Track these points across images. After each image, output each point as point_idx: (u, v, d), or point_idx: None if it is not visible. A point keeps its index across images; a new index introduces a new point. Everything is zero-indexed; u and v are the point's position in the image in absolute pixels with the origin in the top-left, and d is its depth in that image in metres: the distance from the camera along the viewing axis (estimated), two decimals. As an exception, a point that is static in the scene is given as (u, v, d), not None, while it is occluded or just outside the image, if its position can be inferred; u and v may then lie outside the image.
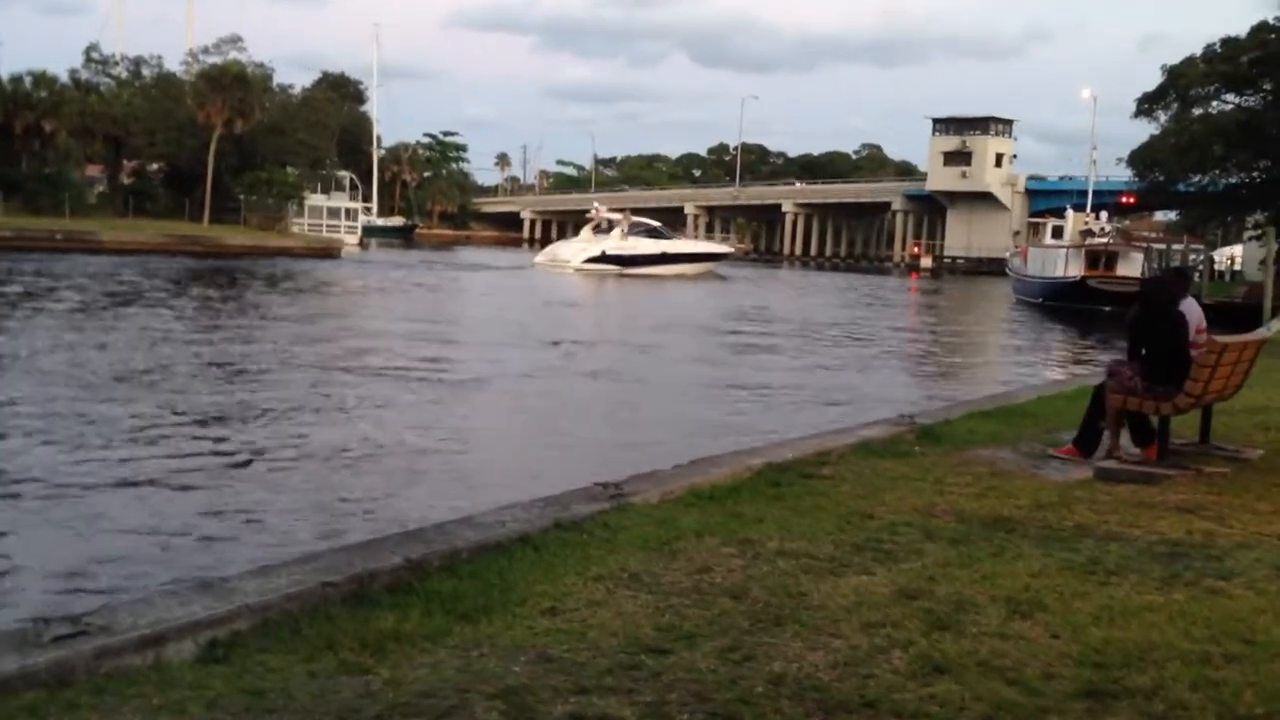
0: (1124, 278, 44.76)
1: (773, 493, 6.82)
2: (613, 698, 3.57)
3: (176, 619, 4.16)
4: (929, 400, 14.94)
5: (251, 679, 3.82)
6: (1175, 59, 57.14)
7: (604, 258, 56.63)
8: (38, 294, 29.65)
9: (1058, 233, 49.20)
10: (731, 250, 72.10)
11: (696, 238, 76.34)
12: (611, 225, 59.74)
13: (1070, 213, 49.44)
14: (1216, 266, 65.39)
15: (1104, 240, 46.84)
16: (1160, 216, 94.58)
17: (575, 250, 58.81)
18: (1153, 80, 55.75)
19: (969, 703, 3.50)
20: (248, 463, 10.59)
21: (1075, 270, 45.35)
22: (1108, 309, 42.52)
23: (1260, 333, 14.44)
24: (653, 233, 61.55)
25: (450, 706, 3.52)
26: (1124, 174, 65.18)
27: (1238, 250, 76.32)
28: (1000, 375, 22.30)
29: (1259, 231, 59.78)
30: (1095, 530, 5.84)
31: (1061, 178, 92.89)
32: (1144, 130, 56.30)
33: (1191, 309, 8.24)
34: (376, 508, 8.86)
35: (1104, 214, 50.31)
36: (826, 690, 3.62)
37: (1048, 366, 24.86)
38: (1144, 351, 7.84)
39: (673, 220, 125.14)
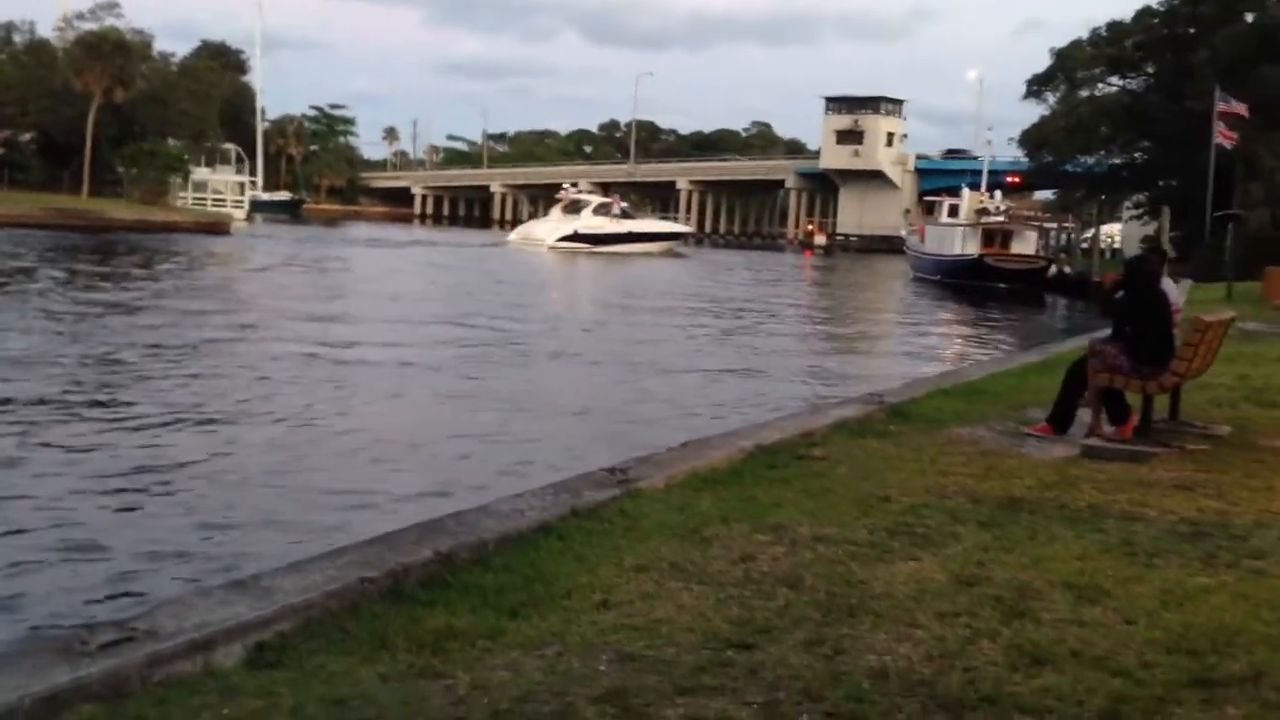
0: (1019, 255, 46.07)
1: (773, 475, 6.74)
2: (721, 698, 3.43)
3: (222, 621, 3.91)
4: (869, 376, 15.07)
5: (321, 686, 3.58)
6: (1053, 42, 58.94)
7: (576, 236, 60.21)
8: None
9: (954, 211, 50.28)
10: (690, 230, 75.86)
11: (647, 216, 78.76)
12: (580, 205, 63.77)
13: (966, 191, 50.57)
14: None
15: (999, 219, 48.03)
16: (1038, 196, 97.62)
17: (549, 229, 62.24)
18: (1032, 63, 57.70)
19: (1084, 695, 3.44)
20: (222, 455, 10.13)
21: (972, 248, 46.44)
22: (1004, 286, 43.73)
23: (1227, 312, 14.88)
24: (620, 214, 64.77)
25: (556, 712, 3.34)
26: (1009, 154, 67.08)
27: (1113, 229, 79.15)
28: (925, 351, 22.73)
29: (1140, 210, 62.13)
30: (1110, 510, 5.88)
31: (948, 153, 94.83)
32: (1024, 112, 58.82)
33: (1170, 288, 8.38)
34: (358, 498, 8.53)
35: (998, 193, 51.58)
36: (934, 685, 3.53)
37: (966, 342, 25.41)
38: (1128, 330, 7.94)
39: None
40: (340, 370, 15.55)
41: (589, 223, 61.85)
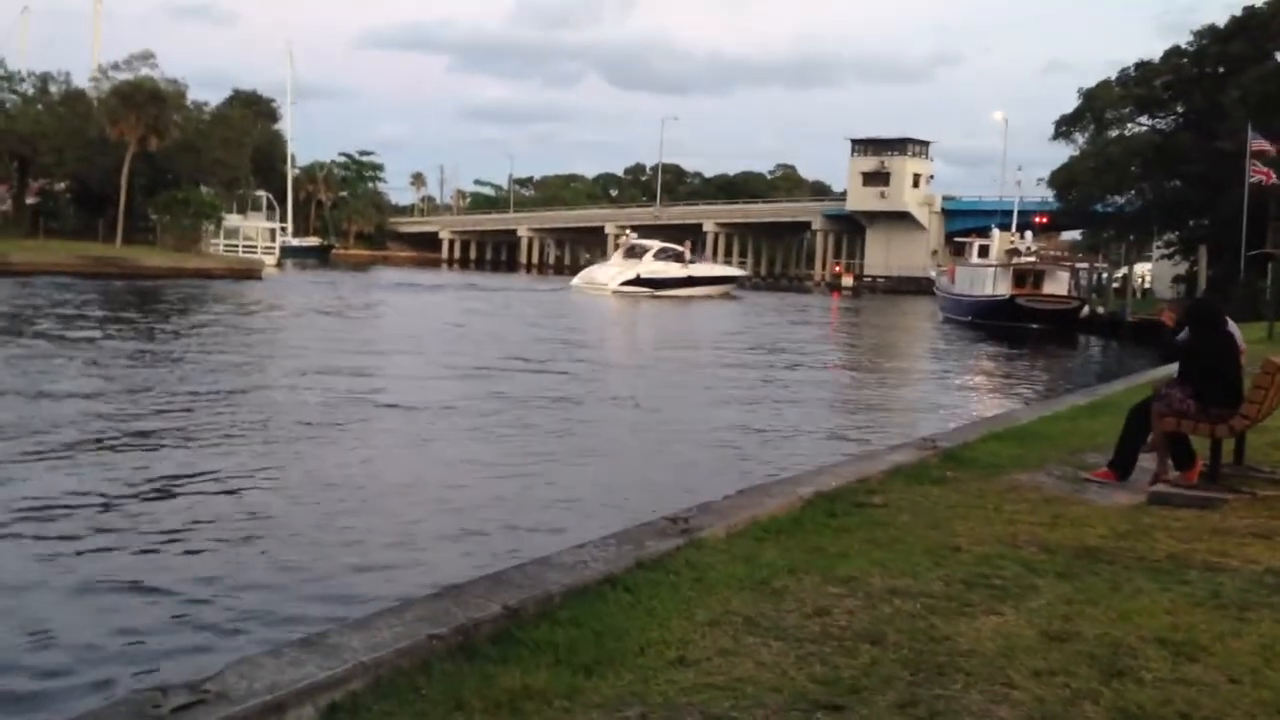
0: (1052, 296, 45.74)
1: (836, 524, 6.59)
2: (818, 764, 3.29)
3: (293, 682, 3.80)
4: (915, 419, 14.89)
5: (406, 751, 3.47)
6: (1077, 84, 58.95)
7: (638, 281, 62.19)
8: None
9: (984, 252, 50.07)
10: (745, 273, 78.06)
11: (715, 260, 80.00)
12: (642, 250, 66.01)
13: (996, 232, 50.37)
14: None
15: (1031, 259, 47.76)
16: (1066, 236, 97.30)
17: (611, 274, 64.26)
18: (1056, 105, 57.79)
19: (1204, 761, 3.28)
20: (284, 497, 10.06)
21: (1003, 289, 46.17)
22: (1036, 326, 43.39)
23: None
24: (678, 257, 67.24)
25: (649, 779, 3.21)
26: (1036, 194, 66.91)
27: (1143, 269, 78.67)
28: (967, 393, 22.54)
29: (1170, 250, 61.73)
30: (1191, 560, 5.70)
31: (977, 199, 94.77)
32: (1049, 153, 58.64)
33: (1235, 330, 8.21)
34: (412, 550, 8.44)
35: (1029, 233, 51.35)
36: (1047, 750, 3.38)
37: (1006, 383, 25.18)
38: (1195, 374, 7.77)
39: (594, 240, 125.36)
40: (406, 417, 15.51)
41: (651, 267, 63.86)
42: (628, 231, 73.80)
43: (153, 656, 6.20)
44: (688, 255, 67.97)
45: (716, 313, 51.26)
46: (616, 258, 68.21)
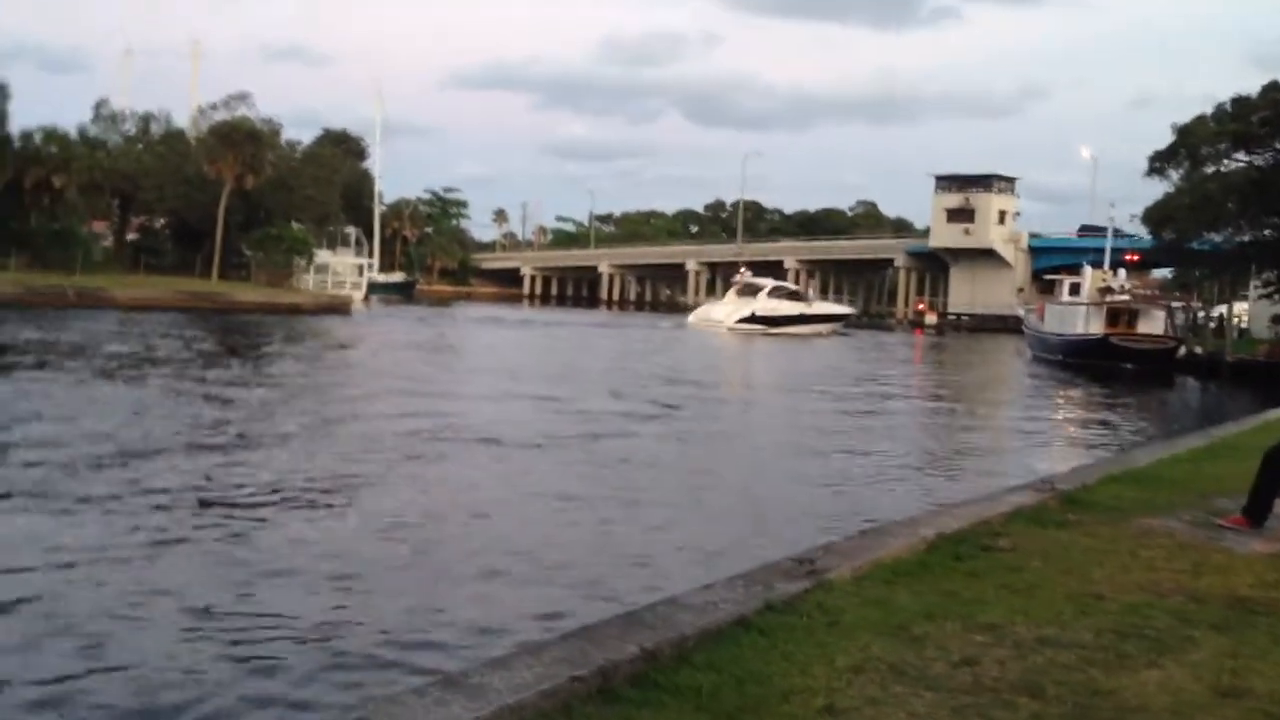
0: (1148, 335, 44.64)
1: (964, 568, 6.40)
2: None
3: (443, 724, 3.75)
4: (1023, 460, 14.54)
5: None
6: (1165, 119, 57.77)
7: (753, 318, 63.45)
8: (80, 353, 29.03)
9: (1075, 290, 49.07)
10: (853, 311, 78.87)
11: (816, 299, 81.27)
12: (756, 289, 67.58)
13: (1088, 270, 49.31)
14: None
15: (1125, 298, 46.69)
16: (1157, 274, 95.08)
17: (727, 311, 65.61)
18: (1144, 140, 56.82)
19: None
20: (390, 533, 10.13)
21: (1096, 328, 45.15)
22: (1130, 366, 42.37)
23: None
24: (792, 295, 70.08)
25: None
26: (1127, 231, 65.49)
27: (1239, 308, 76.39)
28: (1071, 434, 22.03)
29: (1270, 289, 59.89)
30: (1350, 612, 5.42)
31: (1084, 230, 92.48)
32: (1137, 189, 57.38)
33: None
34: (533, 590, 8.41)
35: (1122, 271, 50.21)
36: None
37: (1111, 425, 24.59)
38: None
39: (675, 276, 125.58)
40: (521, 454, 15.60)
41: (765, 305, 65.28)
42: (743, 270, 74.22)
43: (294, 700, 6.22)
44: (809, 294, 71.24)
45: (825, 351, 51.85)
46: (730, 295, 69.51)
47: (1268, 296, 60.37)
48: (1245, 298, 72.52)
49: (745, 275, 71.45)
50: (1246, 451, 12.17)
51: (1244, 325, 71.49)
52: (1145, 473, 10.32)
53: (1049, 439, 21.21)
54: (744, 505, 12.68)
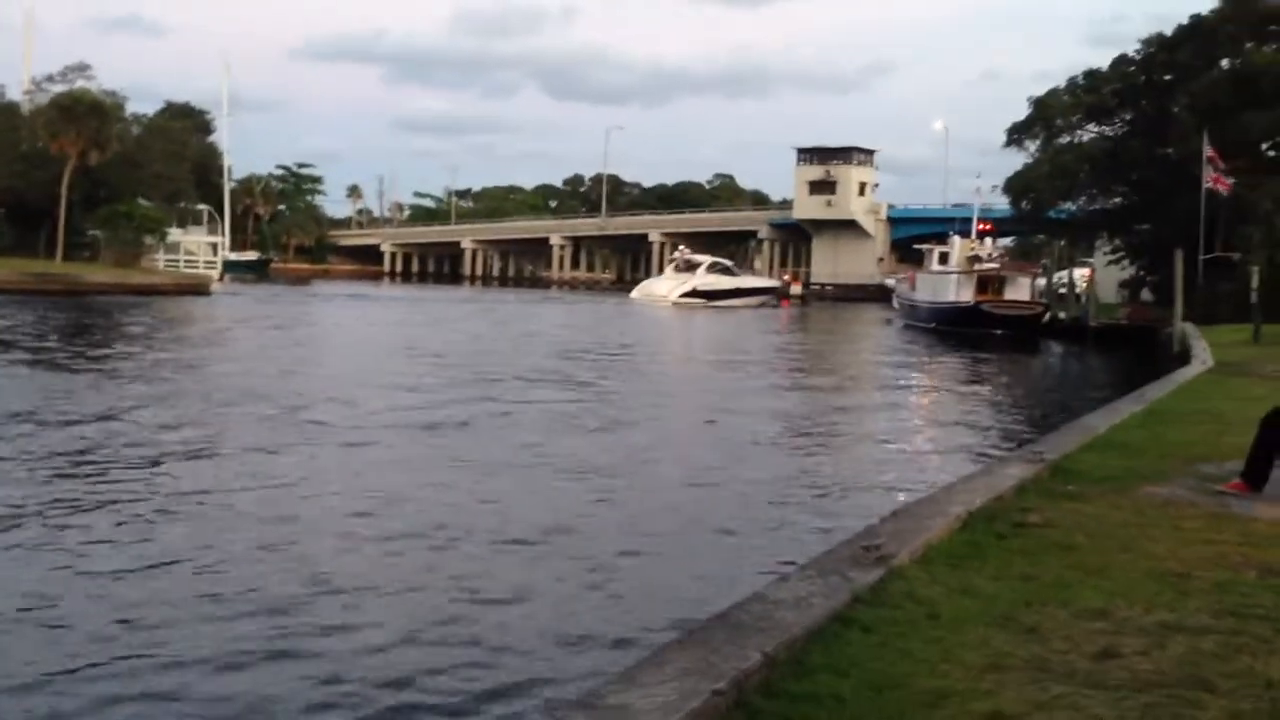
0: (1014, 301, 46.04)
1: (1015, 547, 6.20)
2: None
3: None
4: (968, 431, 14.58)
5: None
6: (1008, 95, 59.90)
7: (695, 293, 68.08)
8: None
9: (944, 259, 50.27)
10: (788, 284, 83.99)
11: (769, 272, 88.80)
12: (692, 265, 72.43)
13: (956, 239, 50.58)
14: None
15: (993, 266, 48.05)
16: (1001, 242, 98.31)
17: (670, 286, 70.19)
18: (989, 115, 58.49)
19: None
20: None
21: (966, 295, 46.35)
22: (999, 332, 43.66)
23: None
24: (727, 271, 74.80)
25: None
26: (971, 201, 67.45)
27: (1084, 273, 79.58)
28: (990, 403, 22.42)
29: (1117, 255, 62.57)
30: None
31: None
32: (983, 162, 59.06)
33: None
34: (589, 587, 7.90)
35: (988, 240, 51.65)
36: None
37: (1020, 393, 25.14)
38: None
39: (538, 251, 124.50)
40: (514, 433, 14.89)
41: (705, 280, 69.96)
42: (681, 248, 79.94)
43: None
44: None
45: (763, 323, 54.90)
46: (669, 271, 74.69)
47: (1116, 262, 63.09)
48: (1085, 264, 75.63)
49: (684, 252, 76.16)
50: (1186, 416, 12.47)
51: (1089, 290, 74.53)
52: (1111, 439, 10.36)
53: (974, 409, 21.46)
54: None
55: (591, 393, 21.53)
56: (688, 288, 68.80)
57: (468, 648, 6.89)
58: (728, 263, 78.36)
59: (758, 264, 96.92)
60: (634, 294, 73.57)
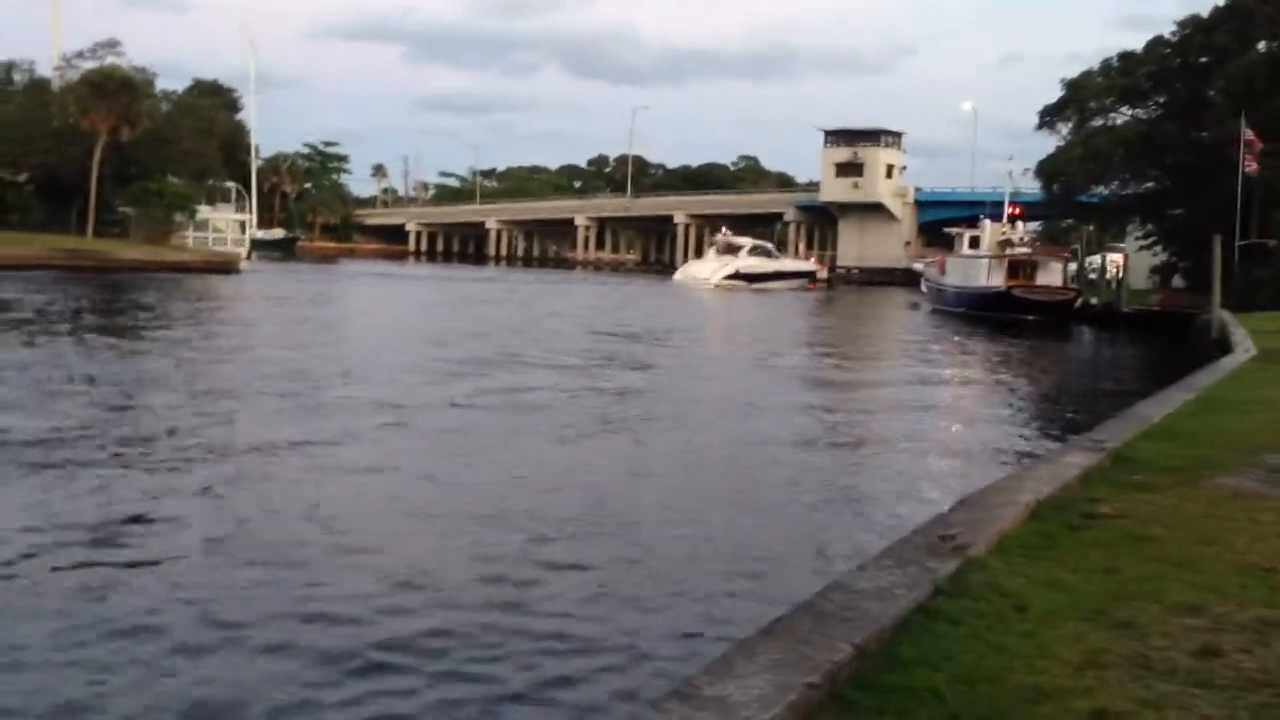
0: (1047, 287, 45.61)
1: (1089, 538, 6.08)
2: None
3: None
4: (1019, 420, 14.42)
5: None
6: (1035, 76, 59.44)
7: (737, 275, 69.14)
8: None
9: (975, 243, 49.83)
10: (818, 268, 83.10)
11: (794, 255, 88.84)
12: (734, 247, 73.15)
13: (987, 223, 50.10)
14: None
15: (1025, 250, 47.62)
16: (1030, 226, 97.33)
17: (711, 269, 70.97)
18: (1015, 97, 58.05)
19: None
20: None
21: (998, 280, 45.95)
22: (1031, 318, 43.29)
23: None
24: (768, 254, 76.19)
25: None
26: (1006, 184, 66.92)
27: (1116, 258, 78.81)
28: (1040, 390, 22.29)
29: (1149, 240, 61.96)
30: None
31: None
32: (1009, 144, 58.58)
33: None
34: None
35: (1020, 224, 51.19)
36: None
37: (1065, 379, 24.91)
38: None
39: (563, 232, 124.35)
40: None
41: (747, 263, 71.12)
42: (724, 229, 79.76)
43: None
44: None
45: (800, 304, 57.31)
46: (711, 254, 75.12)
47: (1148, 248, 62.48)
48: (1114, 249, 74.97)
49: (726, 234, 76.44)
50: (1239, 405, 12.29)
51: (1120, 276, 73.90)
52: (1168, 428, 10.21)
53: (1021, 397, 21.30)
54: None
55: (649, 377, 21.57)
56: (730, 270, 69.72)
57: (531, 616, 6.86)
58: (769, 245, 79.16)
59: (800, 247, 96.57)
60: (677, 276, 74.11)
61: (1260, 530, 6.22)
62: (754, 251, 73.69)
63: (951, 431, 17.06)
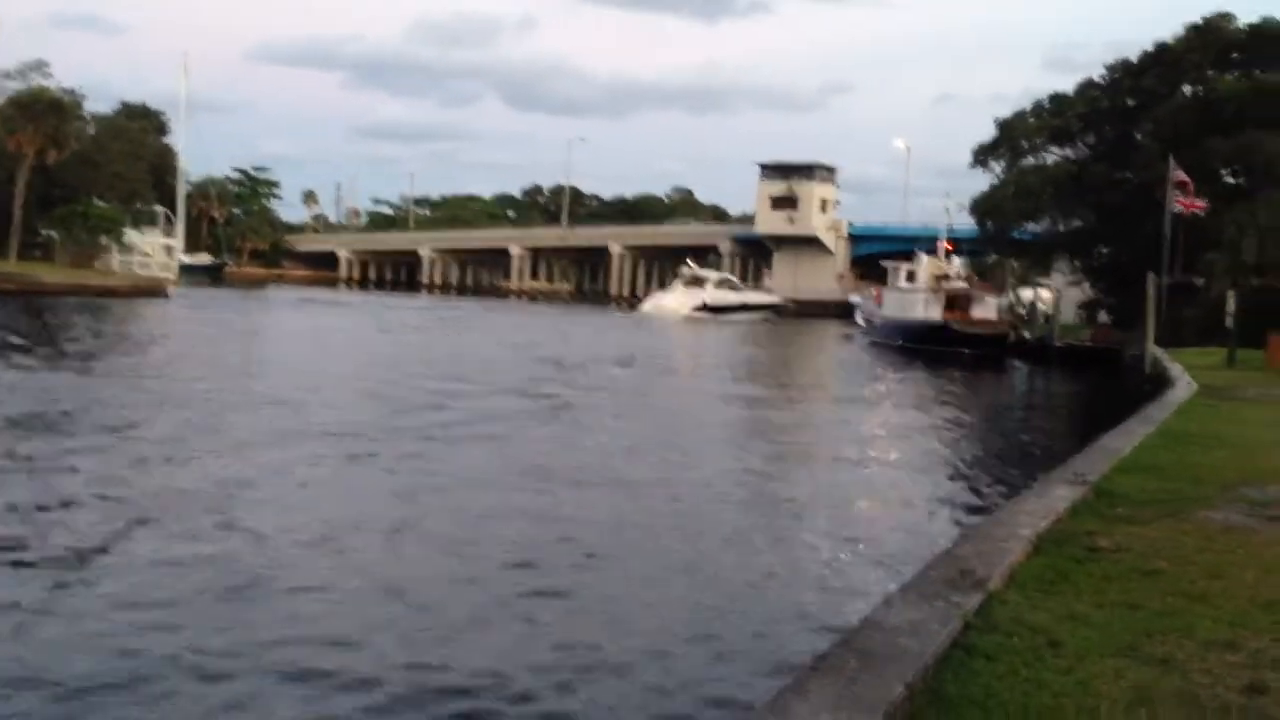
0: (981, 320, 46.31)
1: (1100, 572, 6.09)
2: None
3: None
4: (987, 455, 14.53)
5: None
6: (965, 117, 60.64)
7: (704, 307, 72.05)
8: None
9: (911, 277, 50.46)
10: (781, 300, 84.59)
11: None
12: (699, 280, 76.30)
13: (923, 257, 50.79)
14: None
15: (961, 285, 48.33)
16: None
17: (680, 301, 73.52)
18: (947, 137, 59.03)
19: None
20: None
21: (934, 313, 46.55)
22: (966, 350, 43.88)
23: None
24: (733, 286, 79.52)
25: None
26: (937, 221, 67.89)
27: (1043, 294, 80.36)
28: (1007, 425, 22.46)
29: (1077, 277, 63.29)
30: None
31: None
32: (940, 182, 59.56)
33: None
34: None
35: (955, 259, 51.97)
36: None
37: (1019, 414, 25.17)
38: None
39: (496, 261, 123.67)
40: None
41: (715, 295, 74.35)
42: (688, 261, 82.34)
43: None
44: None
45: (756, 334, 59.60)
46: (678, 286, 77.22)
47: (1076, 284, 63.81)
48: (1041, 285, 76.45)
49: (692, 269, 78.67)
50: (1202, 438, 12.48)
51: (1050, 312, 75.31)
52: (1139, 462, 10.32)
53: (967, 424, 21.48)
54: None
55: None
56: (698, 301, 72.65)
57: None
58: (733, 278, 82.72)
59: (767, 280, 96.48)
60: (645, 307, 76.31)
61: (1264, 564, 6.27)
62: (719, 284, 76.91)
63: (929, 448, 17.16)
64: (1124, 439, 11.90)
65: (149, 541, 9.38)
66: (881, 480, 15.33)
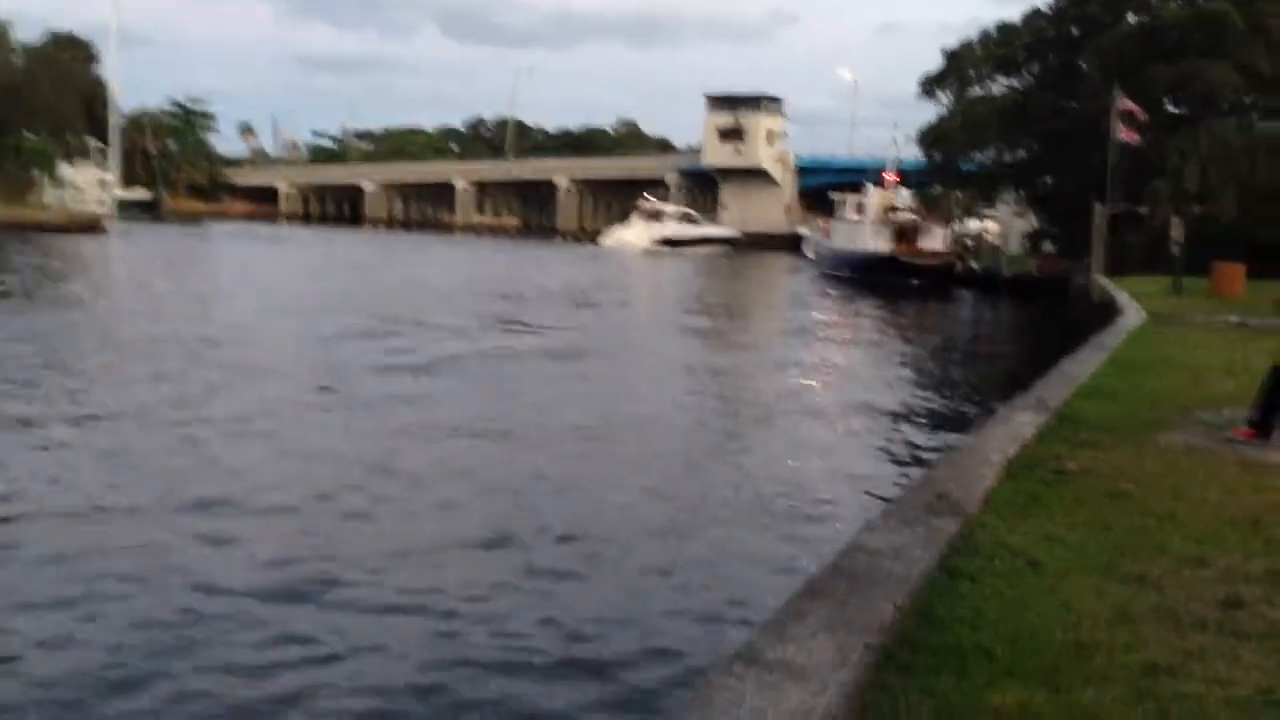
0: (931, 251, 46.66)
1: (1071, 495, 6.20)
2: None
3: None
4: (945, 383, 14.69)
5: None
6: (911, 46, 60.65)
7: (664, 241, 74.80)
8: None
9: (859, 209, 50.59)
10: (739, 235, 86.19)
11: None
12: (658, 213, 79.10)
13: (872, 189, 50.90)
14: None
15: (909, 216, 48.57)
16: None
17: (639, 234, 75.94)
18: (890, 67, 58.83)
19: None
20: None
21: (882, 245, 46.80)
22: (915, 282, 44.27)
23: None
24: (692, 220, 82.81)
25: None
26: (885, 153, 67.96)
27: (989, 225, 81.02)
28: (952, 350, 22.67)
29: (1021, 208, 63.79)
30: None
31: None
32: (884, 112, 59.70)
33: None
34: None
35: (904, 190, 52.15)
36: None
37: (967, 341, 25.46)
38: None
39: (441, 195, 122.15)
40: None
41: (673, 229, 77.29)
42: (645, 195, 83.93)
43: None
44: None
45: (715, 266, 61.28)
46: (635, 219, 79.28)
47: (1021, 215, 64.35)
48: (986, 216, 77.00)
49: (651, 202, 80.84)
50: (1154, 364, 12.71)
51: (995, 243, 75.96)
52: (1098, 388, 10.47)
53: (939, 356, 21.71)
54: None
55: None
56: (658, 235, 75.16)
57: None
58: (692, 212, 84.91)
59: (722, 214, 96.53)
60: (606, 240, 77.53)
61: (1226, 485, 6.42)
62: (680, 219, 79.55)
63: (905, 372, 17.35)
64: (1081, 366, 12.08)
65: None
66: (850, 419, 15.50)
